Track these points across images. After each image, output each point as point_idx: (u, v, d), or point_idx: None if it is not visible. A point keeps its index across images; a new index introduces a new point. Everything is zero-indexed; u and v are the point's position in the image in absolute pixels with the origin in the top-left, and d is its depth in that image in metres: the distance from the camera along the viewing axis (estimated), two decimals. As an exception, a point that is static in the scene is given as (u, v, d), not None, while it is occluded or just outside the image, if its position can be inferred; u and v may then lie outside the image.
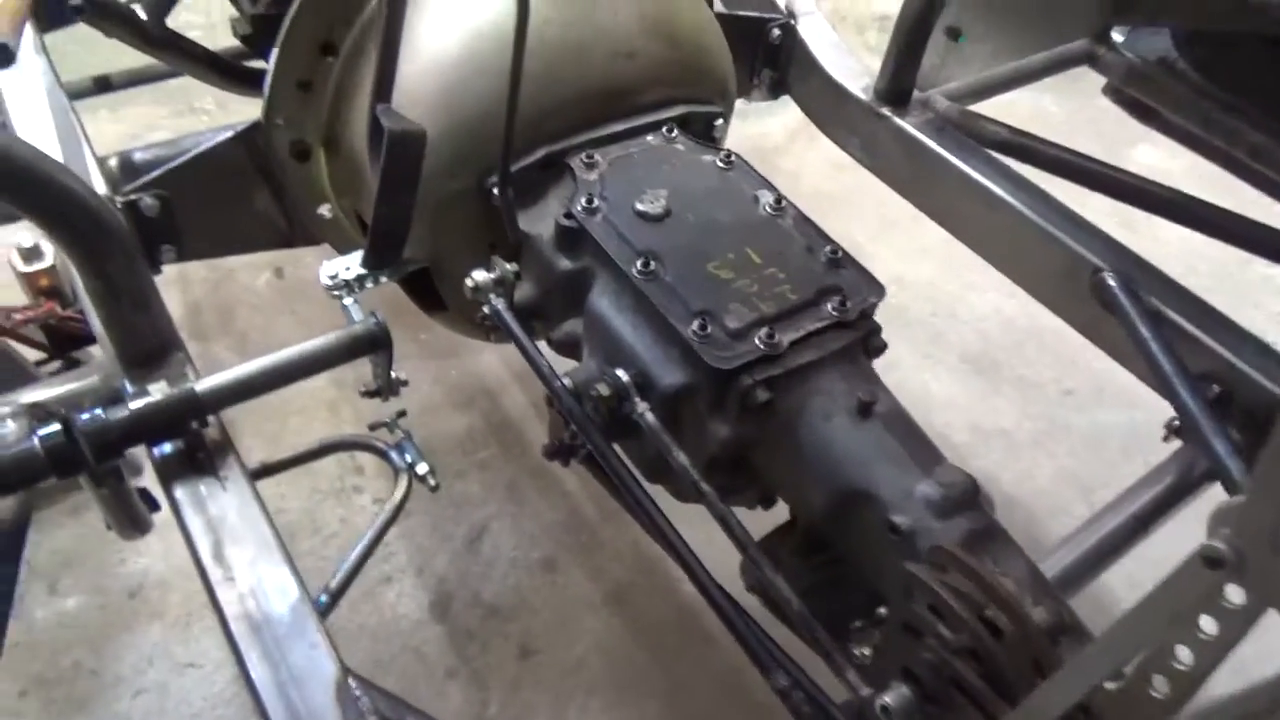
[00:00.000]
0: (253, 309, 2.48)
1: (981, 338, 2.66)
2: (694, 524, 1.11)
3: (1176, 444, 1.38)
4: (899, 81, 1.63)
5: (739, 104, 1.50)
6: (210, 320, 2.44)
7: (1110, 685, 0.74)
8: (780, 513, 1.22)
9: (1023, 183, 1.54)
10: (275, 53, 1.27)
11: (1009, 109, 1.66)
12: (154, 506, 1.12)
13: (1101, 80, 1.97)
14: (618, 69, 1.29)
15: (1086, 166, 1.56)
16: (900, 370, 2.49)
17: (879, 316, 1.18)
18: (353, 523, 2.07)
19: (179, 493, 1.02)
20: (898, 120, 1.63)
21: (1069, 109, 3.33)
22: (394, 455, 1.31)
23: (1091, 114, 3.03)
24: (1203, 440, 1.24)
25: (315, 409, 2.25)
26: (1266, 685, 0.58)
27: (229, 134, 1.31)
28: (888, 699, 0.83)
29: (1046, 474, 2.33)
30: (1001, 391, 2.54)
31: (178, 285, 2.47)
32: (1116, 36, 1.86)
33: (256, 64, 1.62)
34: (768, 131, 3.16)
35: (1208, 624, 0.70)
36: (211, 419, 1.07)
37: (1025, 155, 1.61)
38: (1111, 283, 1.40)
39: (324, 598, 1.11)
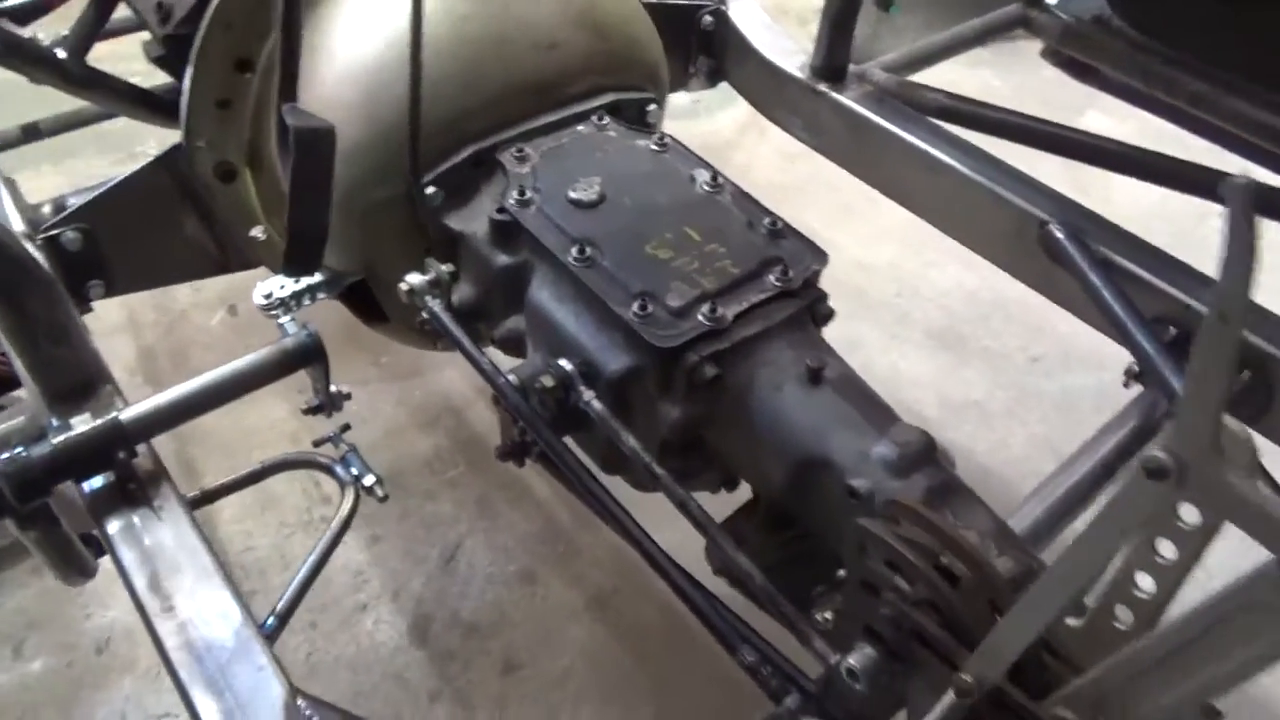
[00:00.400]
0: (207, 349, 2.44)
1: (946, 313, 2.65)
2: (665, 522, 1.09)
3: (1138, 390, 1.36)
4: (834, 56, 1.62)
5: (687, 103, 1.49)
6: (165, 365, 2.39)
7: (1073, 622, 0.72)
8: (745, 495, 1.19)
9: (964, 145, 1.53)
10: (189, 72, 1.24)
11: (953, 88, 1.65)
12: (99, 551, 1.08)
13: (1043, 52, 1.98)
14: (541, 61, 1.27)
15: (1028, 126, 1.56)
16: (867, 350, 2.48)
17: (843, 300, 1.16)
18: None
19: (111, 526, 0.98)
20: (836, 95, 1.62)
21: (1013, 83, 3.34)
22: (339, 469, 1.27)
23: (1036, 85, 3.05)
24: (1162, 381, 1.23)
25: (277, 441, 2.21)
26: (1220, 595, 0.56)
27: (150, 161, 1.28)
28: (852, 660, 0.80)
29: (1020, 441, 2.32)
30: (970, 364, 2.53)
31: (129, 331, 2.43)
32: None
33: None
34: (717, 128, 3.15)
35: (1165, 548, 0.68)
36: (142, 449, 1.04)
37: (965, 120, 1.61)
38: (1059, 234, 1.39)
39: (271, 620, 1.08)
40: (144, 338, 2.44)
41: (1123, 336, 1.29)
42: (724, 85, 1.90)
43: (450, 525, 2.11)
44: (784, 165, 2.89)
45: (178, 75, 1.31)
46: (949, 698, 0.72)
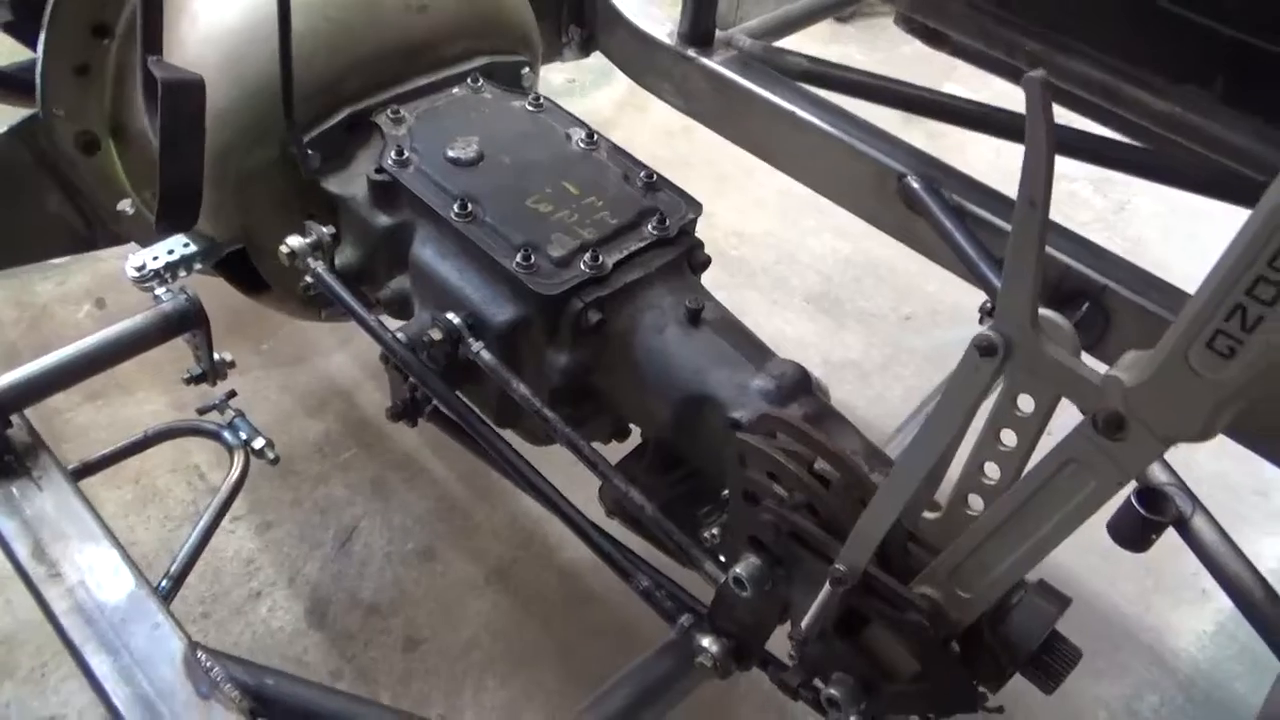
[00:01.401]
0: (75, 344, 2.33)
1: (823, 278, 2.76)
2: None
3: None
4: (700, 23, 1.67)
5: (562, 82, 1.51)
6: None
7: (931, 515, 0.79)
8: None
9: (827, 105, 1.61)
10: (43, 37, 1.20)
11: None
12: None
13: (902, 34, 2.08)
14: (412, 23, 1.28)
15: (886, 87, 1.65)
16: (752, 316, 2.54)
17: (724, 269, 1.21)
18: (214, 546, 1.97)
19: (-14, 498, 0.95)
20: (704, 60, 1.67)
21: (876, 59, 3.48)
22: (226, 435, 1.26)
23: (897, 62, 3.19)
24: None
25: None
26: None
27: (4, 131, 1.23)
28: (739, 570, 0.85)
29: (897, 395, 2.44)
30: (847, 325, 2.65)
31: (-14, 330, 2.31)
32: (898, -32, 1.96)
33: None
34: (596, 107, 3.18)
35: (1007, 436, 0.75)
36: (16, 420, 1.01)
37: (827, 82, 1.69)
38: (915, 185, 1.48)
39: (165, 582, 1.06)
40: (4, 335, 2.32)
41: (976, 276, 1.39)
42: (601, 66, 1.94)
43: (345, 508, 2.09)
44: (663, 141, 2.95)
45: (29, 42, 1.26)
46: (826, 589, 0.78)
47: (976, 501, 0.79)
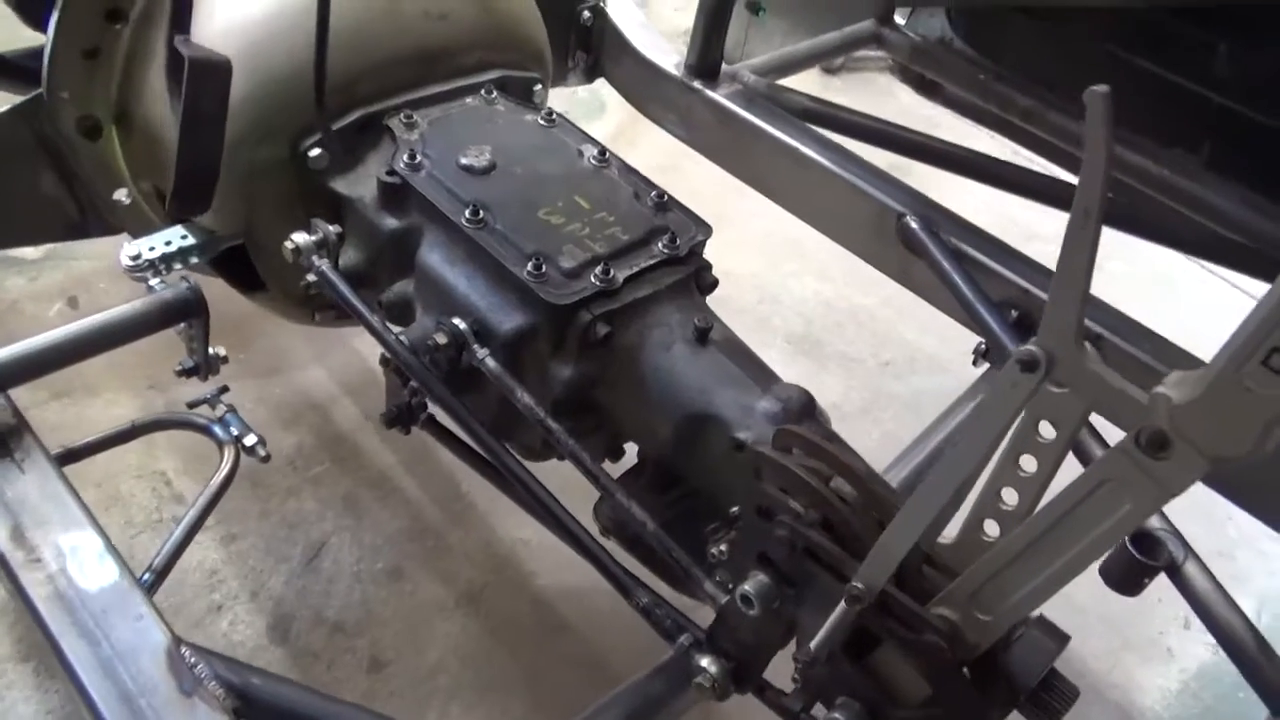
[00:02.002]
0: (44, 342, 2.27)
1: (804, 320, 2.78)
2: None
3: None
4: (707, 55, 1.70)
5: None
6: (-5, 359, 2.21)
7: (946, 539, 0.79)
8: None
9: (828, 143, 1.63)
10: (54, 17, 1.18)
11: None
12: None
13: (889, 81, 2.13)
14: (431, 30, 1.28)
15: (884, 130, 1.68)
16: (732, 354, 2.56)
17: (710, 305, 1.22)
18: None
19: (-36, 479, 0.91)
20: (710, 92, 1.69)
21: (863, 106, 3.55)
22: (216, 430, 1.22)
23: (883, 115, 3.25)
24: (1007, 356, 1.34)
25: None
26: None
27: (4, 110, 1.20)
28: (746, 586, 0.84)
29: (874, 439, 2.45)
30: (827, 368, 2.66)
31: (-52, 324, 2.24)
32: (899, 19, 2.02)
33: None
34: (585, 140, 3.20)
35: (1027, 462, 0.75)
36: (1, 400, 0.97)
37: (828, 122, 1.72)
38: (914, 226, 1.50)
39: (148, 575, 1.02)
40: (-31, 330, 2.25)
41: (973, 317, 1.40)
42: (592, 100, 1.96)
43: (314, 523, 2.03)
44: (653, 175, 2.97)
45: (38, 23, 1.24)
46: (841, 607, 0.77)
47: (992, 527, 0.79)
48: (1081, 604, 2.14)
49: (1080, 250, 0.56)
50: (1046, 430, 0.72)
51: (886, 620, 0.76)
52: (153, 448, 2.09)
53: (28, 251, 2.43)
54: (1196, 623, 2.16)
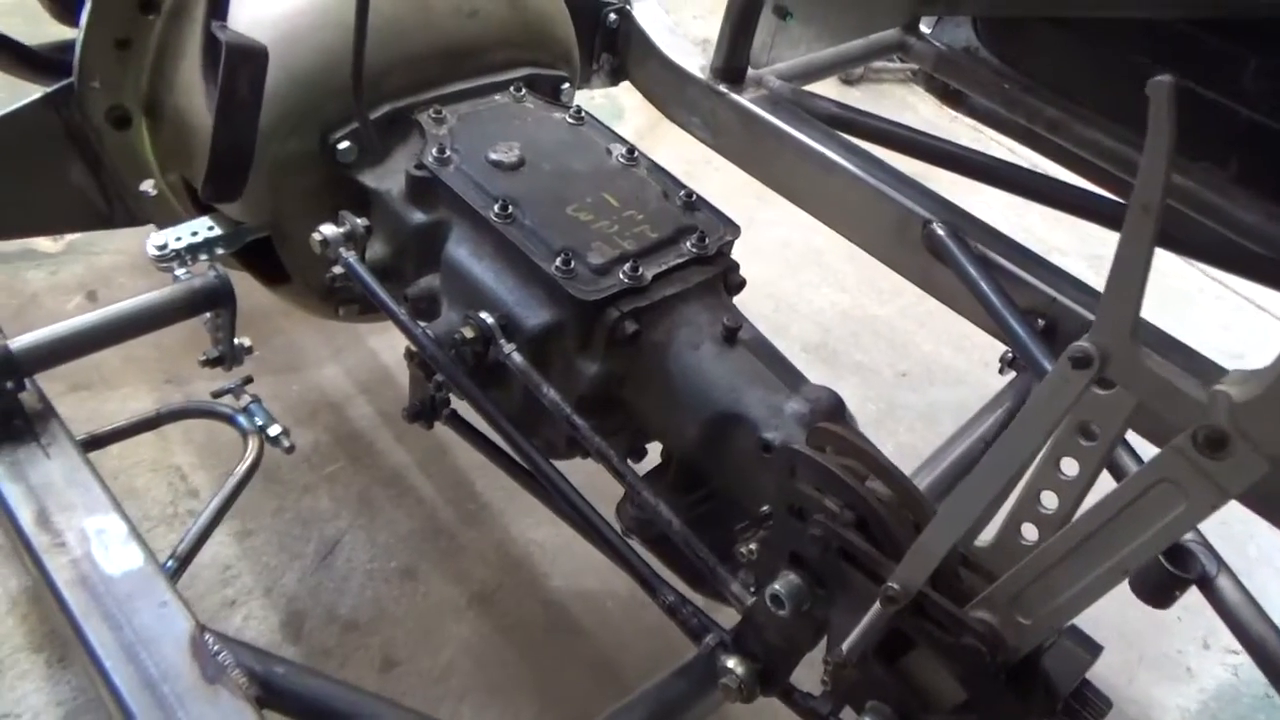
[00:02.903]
0: (61, 334, 2.27)
1: (821, 329, 2.77)
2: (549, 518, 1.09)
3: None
4: (734, 59, 1.69)
5: None
6: (12, 350, 2.22)
7: (983, 542, 0.77)
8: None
9: (854, 148, 1.62)
10: (88, 6, 1.18)
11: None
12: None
13: (906, 93, 2.13)
14: (461, 26, 1.28)
15: (911, 138, 1.67)
16: (748, 361, 2.55)
17: None
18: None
19: (-9, 461, 0.90)
20: (735, 96, 1.69)
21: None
22: (240, 420, 1.22)
23: (905, 122, 3.25)
24: (1035, 365, 1.33)
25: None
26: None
27: (36, 97, 1.20)
28: (777, 586, 0.83)
29: (889, 450, 2.39)
30: (843, 378, 2.65)
31: (-32, 314, 2.24)
32: (924, 28, 2.01)
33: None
34: (603, 145, 3.20)
35: (1068, 466, 0.74)
36: (28, 384, 0.97)
37: (853, 128, 1.71)
38: (941, 232, 1.49)
39: (171, 562, 1.01)
40: (-11, 321, 2.25)
41: (1000, 325, 1.39)
42: (609, 107, 1.95)
43: (329, 520, 2.03)
44: (669, 183, 2.97)
45: (69, 16, 1.24)
46: (875, 608, 0.76)
47: (1030, 531, 0.78)
48: (1099, 617, 2.12)
49: (1138, 245, 0.55)
50: (1089, 433, 0.71)
51: (922, 622, 0.75)
52: (168, 442, 2.09)
53: (48, 245, 2.44)
54: (1216, 642, 2.15)
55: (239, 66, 0.95)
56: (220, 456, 2.05)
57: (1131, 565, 0.64)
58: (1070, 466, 0.74)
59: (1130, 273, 0.56)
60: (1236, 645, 2.18)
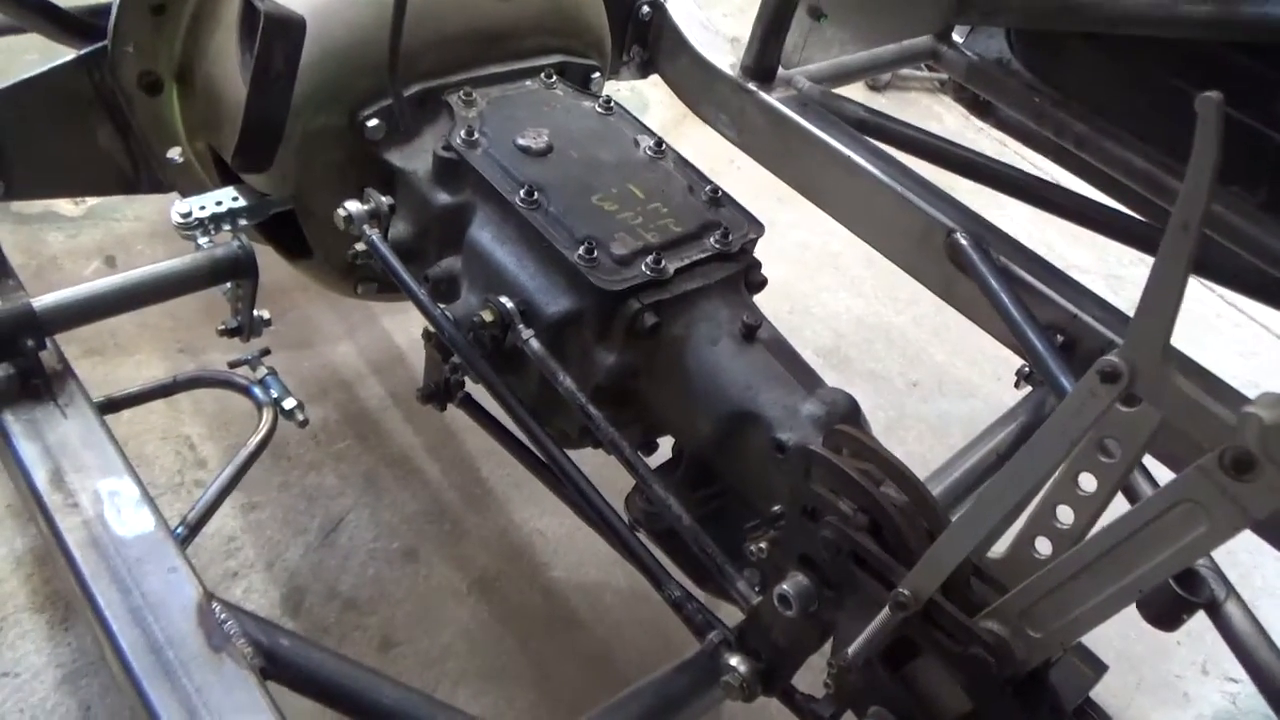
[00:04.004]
0: (78, 298, 2.28)
1: (834, 334, 2.76)
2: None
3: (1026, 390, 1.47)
4: (764, 59, 1.68)
5: None
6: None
7: (995, 554, 0.77)
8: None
9: (881, 154, 1.61)
10: (126, -30, 1.19)
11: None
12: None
13: (933, 102, 2.11)
14: (496, 9, 1.28)
15: (937, 145, 1.66)
16: (760, 361, 2.55)
17: None
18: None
19: (7, 418, 0.91)
20: (764, 95, 1.68)
21: (906, 129, 3.53)
22: (256, 391, 1.22)
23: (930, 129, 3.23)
24: (1053, 380, 1.32)
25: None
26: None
27: (69, 59, 1.21)
28: (785, 586, 0.82)
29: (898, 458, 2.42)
30: (854, 384, 2.64)
31: (-11, 271, 2.25)
32: (957, 37, 2.00)
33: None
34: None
35: (1086, 481, 0.74)
36: (49, 344, 0.97)
37: (882, 134, 1.70)
38: (964, 242, 1.48)
39: (181, 529, 1.02)
40: (7, 279, 2.26)
41: (1019, 338, 1.38)
42: (635, 99, 1.95)
43: (334, 498, 2.03)
44: (690, 180, 2.96)
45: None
46: (885, 613, 0.75)
47: (1044, 544, 0.77)
48: (1099, 636, 2.11)
49: (1175, 263, 0.54)
50: (1109, 450, 0.71)
51: (930, 630, 0.75)
52: (179, 411, 2.10)
53: (69, 208, 2.45)
54: (1215, 669, 2.14)
55: (276, 38, 0.95)
56: (230, 429, 2.05)
57: (1147, 585, 0.63)
58: (1088, 482, 0.74)
59: (1165, 290, 0.55)
60: (1235, 673, 2.18)
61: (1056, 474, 0.74)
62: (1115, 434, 0.68)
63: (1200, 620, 1.23)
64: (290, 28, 0.95)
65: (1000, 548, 0.81)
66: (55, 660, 1.66)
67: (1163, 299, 0.56)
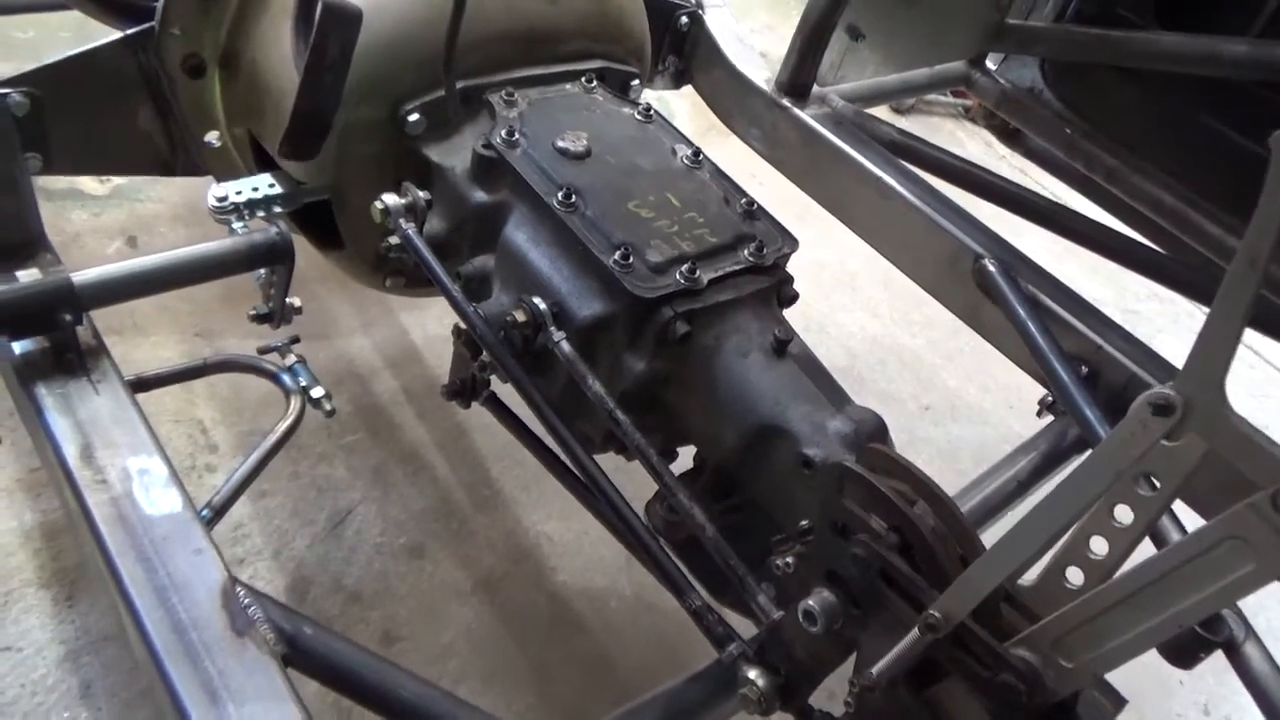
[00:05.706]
0: (100, 277, 2.29)
1: (848, 354, 2.76)
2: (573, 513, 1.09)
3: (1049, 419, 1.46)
4: (800, 75, 1.69)
5: None
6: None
7: (1026, 581, 0.77)
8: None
9: (912, 176, 1.62)
10: (178, -47, 1.19)
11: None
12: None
13: (955, 127, 2.12)
14: (541, 11, 1.28)
15: (967, 170, 1.67)
16: (774, 377, 2.55)
17: None
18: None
19: (40, 391, 0.91)
20: (798, 112, 1.68)
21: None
22: (284, 378, 1.22)
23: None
24: (1076, 410, 1.32)
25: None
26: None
27: (116, 38, 1.21)
28: (811, 602, 0.82)
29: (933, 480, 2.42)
30: (867, 404, 2.63)
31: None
32: (990, 64, 2.01)
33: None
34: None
35: (1122, 513, 0.73)
36: (85, 320, 0.97)
37: (912, 156, 1.70)
38: (992, 269, 1.48)
39: (206, 512, 1.01)
40: (29, 254, 2.27)
41: (1044, 367, 1.38)
42: (663, 110, 1.95)
43: (343, 491, 2.03)
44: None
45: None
46: (913, 635, 0.75)
47: (1076, 574, 0.77)
48: (1100, 675, 2.11)
49: (1238, 298, 0.54)
50: (1148, 483, 0.70)
51: (959, 654, 0.74)
52: (193, 395, 2.10)
53: (94, 187, 2.46)
54: (1217, 710, 2.13)
55: (333, 28, 0.95)
56: (243, 415, 2.05)
57: (1187, 621, 0.63)
58: (1124, 514, 0.74)
59: (1226, 325, 0.55)
60: (1238, 714, 2.16)
61: (1119, 469, 0.73)
62: (1156, 468, 0.68)
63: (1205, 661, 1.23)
64: (347, 19, 0.96)
65: (1029, 576, 0.81)
66: (59, 637, 1.66)
67: (1223, 334, 0.56)
